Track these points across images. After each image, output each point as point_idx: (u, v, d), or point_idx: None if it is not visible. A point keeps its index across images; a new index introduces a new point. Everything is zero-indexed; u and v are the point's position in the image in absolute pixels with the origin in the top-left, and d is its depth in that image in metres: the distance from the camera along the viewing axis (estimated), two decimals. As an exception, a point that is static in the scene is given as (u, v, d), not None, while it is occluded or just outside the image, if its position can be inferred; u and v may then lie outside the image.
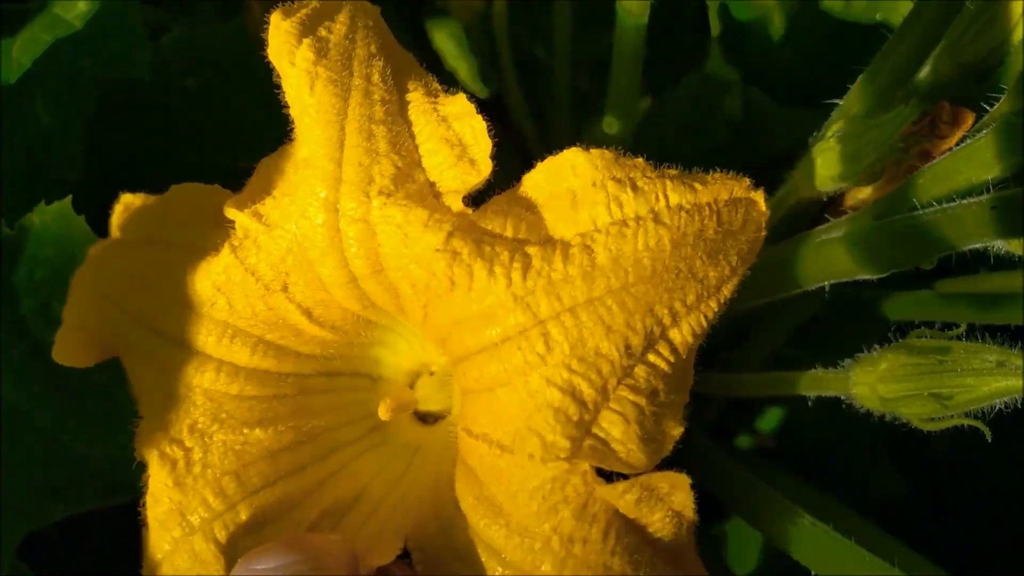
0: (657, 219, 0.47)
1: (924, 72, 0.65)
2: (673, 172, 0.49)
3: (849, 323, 0.77)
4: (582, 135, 1.15)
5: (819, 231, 0.57)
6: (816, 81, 1.06)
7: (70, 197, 0.65)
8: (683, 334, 0.47)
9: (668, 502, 0.48)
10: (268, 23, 0.52)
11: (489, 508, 0.50)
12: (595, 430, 0.47)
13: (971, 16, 0.63)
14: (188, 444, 0.56)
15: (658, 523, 0.48)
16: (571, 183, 0.50)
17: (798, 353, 0.72)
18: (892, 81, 0.61)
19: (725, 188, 0.49)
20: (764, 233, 0.49)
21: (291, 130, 0.55)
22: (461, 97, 0.52)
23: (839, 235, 0.54)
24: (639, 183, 0.48)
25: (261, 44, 0.53)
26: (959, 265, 0.56)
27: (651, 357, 0.47)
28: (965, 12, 0.62)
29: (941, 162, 0.51)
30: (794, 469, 0.82)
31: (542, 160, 1.14)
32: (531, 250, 0.48)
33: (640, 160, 0.50)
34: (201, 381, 0.57)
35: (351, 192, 0.51)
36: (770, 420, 1.01)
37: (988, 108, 0.54)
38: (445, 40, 1.16)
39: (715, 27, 1.01)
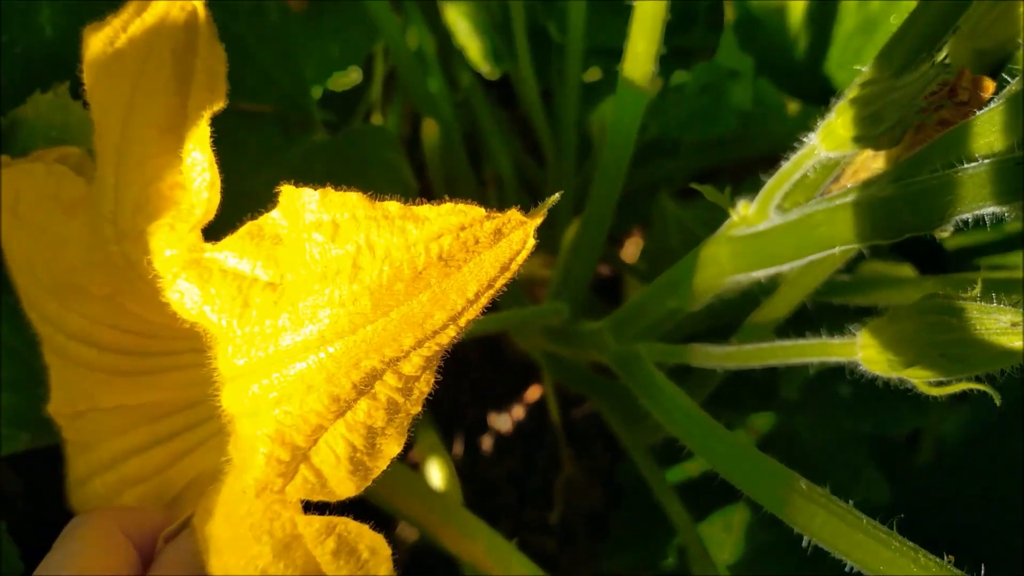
0: (366, 261, 0.45)
1: (941, 58, 0.65)
2: (393, 207, 0.45)
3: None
4: (589, 119, 1.16)
5: (836, 195, 0.57)
6: (828, 77, 1.07)
7: (68, 84, 0.62)
8: (413, 365, 0.46)
9: (369, 574, 0.47)
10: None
11: (211, 513, 0.52)
12: (304, 468, 0.47)
13: (988, 4, 0.64)
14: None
15: None
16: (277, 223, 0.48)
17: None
18: (909, 57, 0.61)
19: (454, 220, 0.44)
20: (525, 252, 0.44)
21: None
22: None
23: (856, 198, 0.55)
24: (347, 222, 0.45)
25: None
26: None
27: (376, 389, 0.46)
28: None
29: (963, 126, 0.51)
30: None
31: (551, 144, 1.14)
32: (253, 293, 0.47)
33: (355, 196, 0.46)
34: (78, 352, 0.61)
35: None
36: (761, 424, 1.01)
37: (1009, 80, 0.54)
38: (458, 18, 1.16)
39: (730, 13, 1.02)
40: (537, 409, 1.20)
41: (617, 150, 0.79)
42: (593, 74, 1.19)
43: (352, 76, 0.94)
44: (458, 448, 1.18)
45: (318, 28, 0.92)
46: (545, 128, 1.14)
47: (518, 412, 1.20)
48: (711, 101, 1.02)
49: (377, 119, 1.15)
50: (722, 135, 1.02)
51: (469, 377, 1.21)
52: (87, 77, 0.54)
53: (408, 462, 1.11)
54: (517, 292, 1.01)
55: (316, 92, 0.90)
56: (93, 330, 0.59)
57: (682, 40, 1.13)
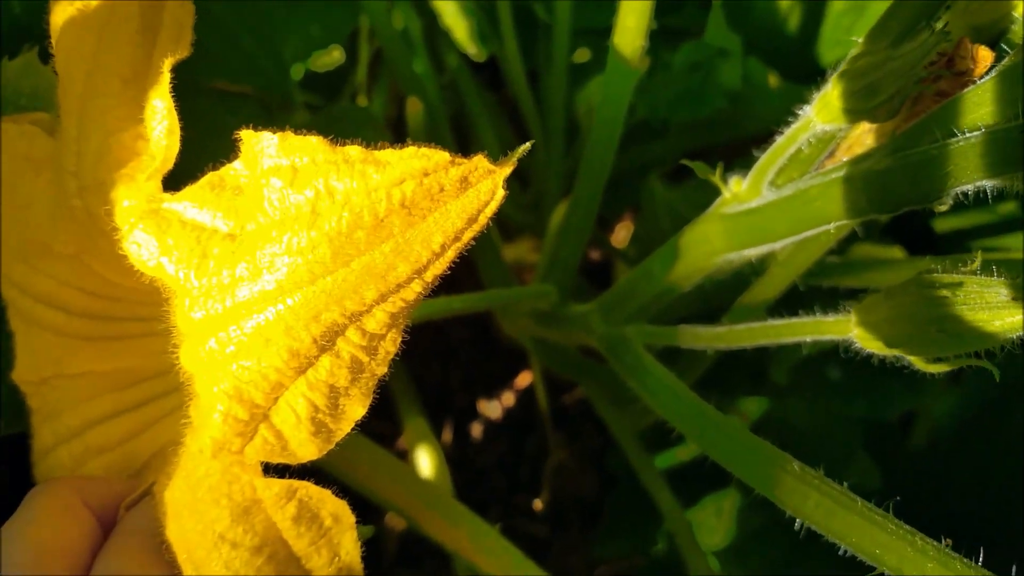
0: (325, 207, 0.42)
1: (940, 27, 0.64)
2: (353, 151, 0.43)
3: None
4: (576, 101, 1.14)
5: (831, 170, 0.55)
6: (819, 56, 1.06)
7: (37, 48, 0.60)
8: (377, 322, 0.43)
9: (332, 542, 0.46)
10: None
11: (171, 478, 0.50)
12: (264, 429, 0.45)
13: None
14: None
15: (321, 568, 0.46)
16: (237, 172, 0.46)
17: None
18: (904, 30, 0.60)
19: (417, 164, 0.42)
20: (494, 204, 0.43)
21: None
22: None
23: (852, 171, 0.53)
24: (306, 167, 0.43)
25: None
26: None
27: (339, 346, 0.44)
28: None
29: (961, 96, 0.50)
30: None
31: (538, 126, 1.13)
32: (212, 244, 0.45)
33: (315, 139, 0.44)
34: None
35: None
36: (752, 409, 1.00)
37: (1008, 51, 0.53)
38: (443, -2, 1.14)
39: (719, -10, 1.00)
40: (527, 396, 1.18)
41: (605, 128, 0.78)
42: (581, 55, 1.17)
43: (334, 56, 0.92)
44: (447, 435, 1.16)
45: (299, 7, 0.90)
46: (533, 110, 1.12)
47: (508, 399, 1.19)
48: (700, 80, 1.00)
49: (363, 102, 1.13)
50: (711, 115, 1.00)
51: (458, 364, 1.19)
52: (53, 28, 0.52)
53: (396, 450, 1.10)
54: (505, 274, 1.00)
55: (297, 72, 0.88)
56: (60, 292, 0.57)
57: (673, 19, 1.11)
